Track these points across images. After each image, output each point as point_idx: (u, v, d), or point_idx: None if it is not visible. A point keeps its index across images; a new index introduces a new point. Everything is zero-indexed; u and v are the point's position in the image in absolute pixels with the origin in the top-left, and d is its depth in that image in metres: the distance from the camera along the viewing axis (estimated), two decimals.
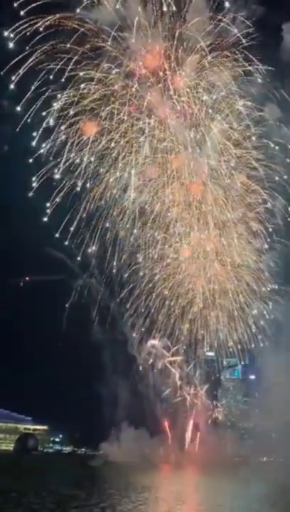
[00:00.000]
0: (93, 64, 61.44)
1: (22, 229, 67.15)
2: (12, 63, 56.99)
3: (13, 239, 68.82)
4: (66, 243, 67.52)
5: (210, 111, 68.23)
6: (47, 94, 60.11)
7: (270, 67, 63.89)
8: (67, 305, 71.67)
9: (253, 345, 75.84)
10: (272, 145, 68.37)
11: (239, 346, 76.92)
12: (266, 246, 71.51)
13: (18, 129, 60.10)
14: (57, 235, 66.75)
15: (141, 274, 74.23)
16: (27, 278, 74.83)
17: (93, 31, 60.00)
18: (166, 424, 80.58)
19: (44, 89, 59.85)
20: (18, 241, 69.51)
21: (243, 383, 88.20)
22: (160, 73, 65.37)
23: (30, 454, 76.73)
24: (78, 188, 66.67)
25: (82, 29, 58.51)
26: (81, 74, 60.85)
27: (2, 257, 70.45)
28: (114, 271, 72.23)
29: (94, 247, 70.40)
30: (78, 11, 57.60)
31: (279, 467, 67.93)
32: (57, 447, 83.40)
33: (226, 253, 73.62)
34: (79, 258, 70.59)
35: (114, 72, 62.94)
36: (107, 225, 70.29)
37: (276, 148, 67.68)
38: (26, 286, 76.70)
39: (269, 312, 73.79)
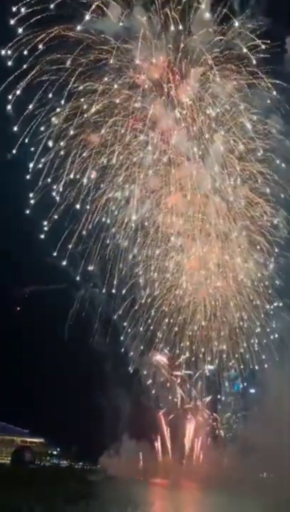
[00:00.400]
0: (95, 76, 61.46)
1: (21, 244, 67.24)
2: (11, 78, 57.12)
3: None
4: (64, 262, 67.75)
5: (214, 123, 68.06)
6: (47, 107, 60.44)
7: (276, 81, 63.57)
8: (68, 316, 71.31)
9: (256, 367, 75.14)
10: (276, 159, 68.10)
11: (241, 366, 76.70)
12: (269, 261, 71.00)
13: (16, 145, 60.38)
14: (55, 253, 67.01)
15: (141, 286, 73.84)
16: (27, 290, 73.65)
17: (96, 43, 59.89)
18: (167, 437, 79.66)
19: (44, 101, 60.18)
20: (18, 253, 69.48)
21: (243, 397, 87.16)
22: (164, 85, 65.28)
23: (27, 467, 75.46)
24: (78, 205, 66.81)
25: (86, 41, 58.49)
26: (82, 87, 60.79)
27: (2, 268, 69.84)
28: (114, 290, 72.02)
29: (92, 267, 70.36)
30: (80, 25, 57.05)
31: (279, 484, 66.83)
32: (55, 461, 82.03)
33: (228, 266, 73.17)
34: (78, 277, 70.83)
35: (116, 84, 62.75)
36: (108, 241, 70.30)
37: (283, 165, 67.07)
38: (27, 296, 75.80)
39: (273, 330, 73.07)
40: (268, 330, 73.26)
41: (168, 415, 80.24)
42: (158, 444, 79.47)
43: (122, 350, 75.81)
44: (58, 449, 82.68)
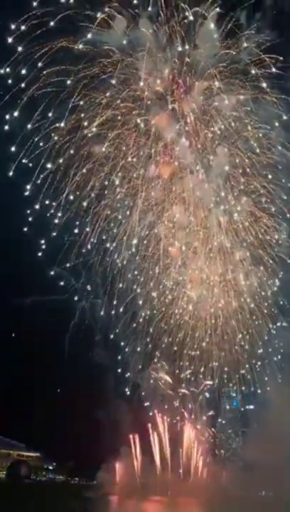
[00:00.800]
0: (99, 89, 60.73)
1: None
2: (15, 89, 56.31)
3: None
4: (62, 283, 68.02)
5: (217, 137, 67.36)
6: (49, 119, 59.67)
7: (281, 95, 62.78)
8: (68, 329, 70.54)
9: (259, 390, 74.24)
10: (279, 173, 67.39)
11: (243, 387, 75.95)
12: (272, 278, 70.08)
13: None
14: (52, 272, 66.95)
15: (140, 304, 73.11)
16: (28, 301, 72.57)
17: (100, 56, 59.10)
18: (167, 453, 78.63)
19: (46, 114, 59.33)
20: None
21: (242, 414, 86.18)
22: (168, 98, 64.44)
23: (23, 482, 74.33)
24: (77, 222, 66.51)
25: (90, 55, 57.81)
26: (85, 100, 60.25)
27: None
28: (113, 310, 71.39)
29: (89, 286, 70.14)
30: (84, 38, 56.33)
31: (278, 502, 65.91)
32: (51, 476, 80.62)
33: (230, 281, 72.32)
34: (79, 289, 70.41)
35: (120, 97, 61.99)
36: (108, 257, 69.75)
37: (289, 185, 66.36)
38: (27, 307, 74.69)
39: (276, 350, 72.06)
40: (270, 350, 72.51)
41: (168, 431, 79.26)
42: (157, 460, 78.28)
43: (122, 364, 75.54)
44: (54, 464, 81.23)
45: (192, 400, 79.79)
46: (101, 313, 71.95)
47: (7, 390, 71.95)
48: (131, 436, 77.15)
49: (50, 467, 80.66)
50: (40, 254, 65.50)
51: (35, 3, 53.91)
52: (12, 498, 62.19)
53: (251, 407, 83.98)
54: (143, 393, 77.55)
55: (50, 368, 73.09)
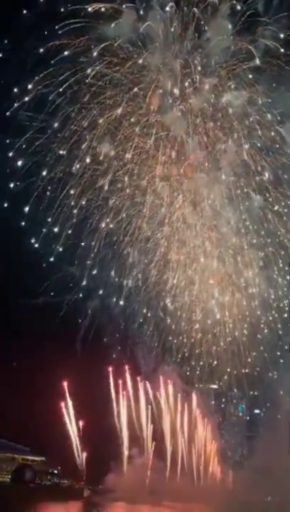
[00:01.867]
0: (107, 88, 58.85)
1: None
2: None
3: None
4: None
5: (228, 135, 65.19)
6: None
7: None
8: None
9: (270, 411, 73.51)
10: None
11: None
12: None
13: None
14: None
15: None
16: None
17: (109, 52, 57.04)
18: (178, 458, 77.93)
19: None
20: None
21: (248, 418, 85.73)
22: (177, 95, 62.17)
23: (27, 486, 73.34)
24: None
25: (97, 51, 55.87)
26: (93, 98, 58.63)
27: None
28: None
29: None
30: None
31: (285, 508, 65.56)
32: (55, 480, 79.58)
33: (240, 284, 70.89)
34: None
35: (127, 95, 60.15)
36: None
37: None
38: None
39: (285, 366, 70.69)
40: (282, 361, 71.17)
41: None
42: (167, 465, 77.41)
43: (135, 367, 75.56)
44: (59, 468, 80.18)
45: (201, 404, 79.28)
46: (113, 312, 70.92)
47: (12, 393, 70.87)
48: (141, 441, 76.57)
49: (55, 471, 79.56)
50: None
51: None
52: (17, 502, 61.37)
53: (257, 411, 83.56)
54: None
55: (56, 371, 71.95)
